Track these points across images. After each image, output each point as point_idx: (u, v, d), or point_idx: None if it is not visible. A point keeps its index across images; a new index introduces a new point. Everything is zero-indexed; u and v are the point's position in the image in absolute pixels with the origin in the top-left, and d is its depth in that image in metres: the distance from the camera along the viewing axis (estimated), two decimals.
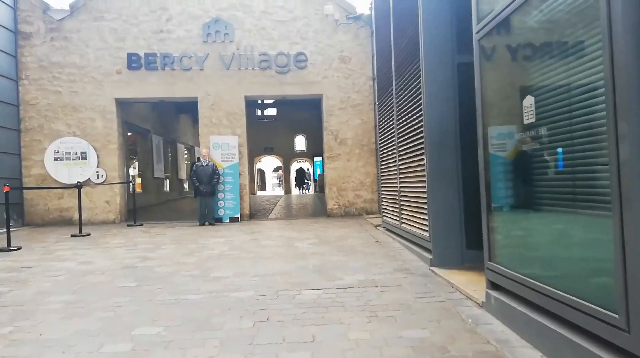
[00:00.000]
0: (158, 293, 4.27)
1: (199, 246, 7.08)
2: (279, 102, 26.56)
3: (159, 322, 3.38)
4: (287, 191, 30.42)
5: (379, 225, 8.88)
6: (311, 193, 30.35)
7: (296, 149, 30.60)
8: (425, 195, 5.27)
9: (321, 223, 10.00)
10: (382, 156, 8.08)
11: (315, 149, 26.98)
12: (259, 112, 27.64)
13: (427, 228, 5.25)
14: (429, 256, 5.08)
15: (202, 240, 7.90)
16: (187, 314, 3.57)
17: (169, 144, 20.47)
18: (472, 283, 4.10)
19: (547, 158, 2.69)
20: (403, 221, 6.53)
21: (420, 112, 5.28)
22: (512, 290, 3.06)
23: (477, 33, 3.48)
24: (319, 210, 13.56)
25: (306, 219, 11.06)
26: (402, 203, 6.57)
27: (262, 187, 50.03)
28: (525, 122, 2.80)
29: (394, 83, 6.72)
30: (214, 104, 11.16)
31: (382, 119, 7.90)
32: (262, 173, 51.21)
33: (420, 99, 5.31)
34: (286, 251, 6.41)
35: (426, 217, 5.27)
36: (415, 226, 5.80)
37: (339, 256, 5.84)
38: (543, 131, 2.63)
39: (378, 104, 8.33)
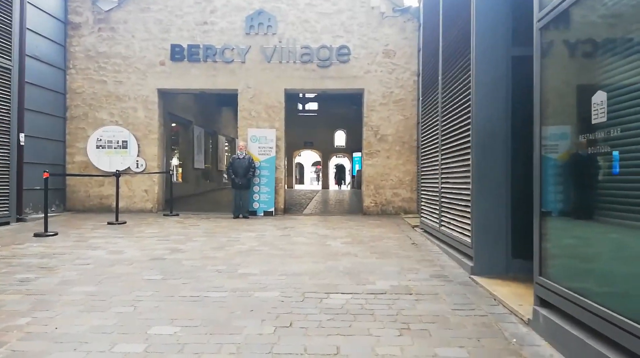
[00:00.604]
0: (181, 288, 4.15)
1: (229, 240, 6.98)
2: (319, 97, 26.42)
3: (178, 321, 3.23)
4: (325, 186, 30.25)
5: (417, 226, 8.49)
6: (348, 189, 30.05)
7: (335, 144, 30.35)
8: (469, 198, 4.88)
9: (356, 221, 9.72)
10: (423, 154, 7.68)
11: (354, 144, 26.63)
12: (300, 106, 27.58)
13: (469, 233, 4.87)
14: (470, 264, 4.70)
15: (234, 233, 7.81)
16: (207, 314, 3.41)
17: (210, 135, 20.75)
18: (518, 297, 3.71)
19: (615, 162, 2.31)
20: (443, 223, 6.14)
21: (468, 109, 4.88)
22: (565, 309, 2.69)
23: (539, 21, 3.09)
24: (355, 207, 13.26)
25: (341, 216, 10.80)
26: (442, 204, 6.18)
27: (300, 181, 50.20)
28: (594, 121, 2.41)
29: (440, 78, 6.32)
30: (253, 97, 11.07)
31: (426, 116, 7.50)
32: (300, 166, 51.37)
33: (468, 95, 4.92)
34: (317, 249, 6.19)
35: (469, 221, 4.88)
36: (456, 231, 5.42)
37: (372, 258, 5.55)
38: (615, 131, 2.24)
39: (422, 100, 7.92)
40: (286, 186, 29.49)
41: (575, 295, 2.57)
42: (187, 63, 11.17)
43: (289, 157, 30.22)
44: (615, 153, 2.28)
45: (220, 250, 6.11)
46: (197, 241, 6.92)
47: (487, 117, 4.64)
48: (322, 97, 25.91)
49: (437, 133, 6.50)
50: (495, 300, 3.77)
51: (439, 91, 6.36)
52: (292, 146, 28.99)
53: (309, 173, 52.05)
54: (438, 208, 6.42)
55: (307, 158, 48.13)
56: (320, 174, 34.39)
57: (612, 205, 2.35)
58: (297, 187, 32.35)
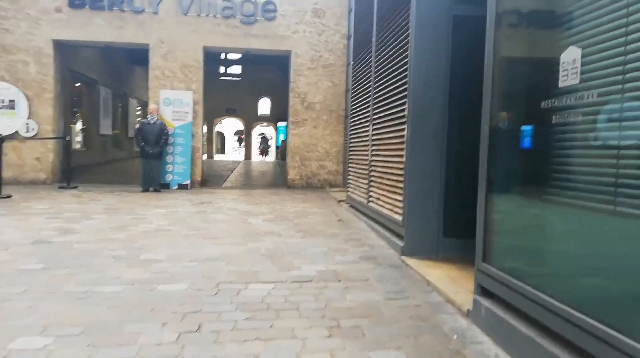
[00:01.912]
0: (66, 281, 3.44)
1: (134, 218, 6.19)
2: (244, 60, 25.16)
3: (52, 329, 2.57)
4: (248, 156, 29.37)
5: (343, 201, 8.23)
6: (272, 159, 29.45)
7: (259, 112, 29.39)
8: (401, 172, 4.59)
9: (280, 195, 9.26)
10: (353, 124, 7.33)
11: (279, 113, 25.90)
12: (221, 69, 26.13)
13: (400, 211, 4.60)
14: (400, 243, 4.46)
15: (141, 209, 7.00)
16: (94, 316, 2.78)
17: (120, 98, 18.89)
18: (452, 281, 3.50)
19: (586, 134, 2.03)
20: (371, 199, 5.87)
21: (405, 74, 4.53)
22: (512, 302, 2.45)
23: None
24: (279, 180, 12.79)
25: (264, 190, 10.28)
26: (372, 179, 5.89)
27: (222, 151, 48.52)
28: (562, 84, 2.10)
29: (374, 40, 5.91)
30: (167, 54, 9.98)
31: (357, 82, 7.11)
32: (222, 135, 49.59)
33: (405, 58, 4.55)
34: (237, 228, 5.65)
35: (400, 198, 4.61)
36: (385, 207, 5.15)
37: (297, 238, 5.14)
38: (589, 96, 1.94)
39: (353, 65, 7.51)
40: (206, 156, 28.25)
41: (524, 285, 2.32)
42: (89, 11, 9.75)
43: (210, 124, 28.79)
44: (589, 124, 2.00)
45: (121, 230, 5.35)
46: (95, 219, 6.06)
47: (426, 83, 4.32)
48: (246, 60, 24.69)
49: (369, 102, 6.15)
50: (429, 285, 3.53)
51: (372, 54, 5.96)
52: (212, 112, 27.58)
53: (232, 142, 50.44)
54: (367, 182, 6.14)
55: (230, 126, 46.43)
56: (243, 144, 33.40)
57: (576, 184, 2.09)
58: (218, 157, 31.12)
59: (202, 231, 5.42)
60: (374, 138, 5.86)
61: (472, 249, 4.57)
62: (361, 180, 6.59)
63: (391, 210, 4.93)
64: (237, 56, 26.37)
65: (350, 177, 7.47)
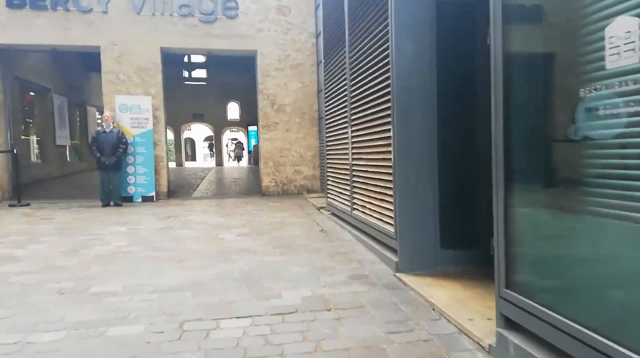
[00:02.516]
0: None
1: (90, 239, 5.49)
2: (209, 63, 24.41)
3: None
4: (219, 162, 28.48)
5: (323, 208, 7.71)
6: (244, 165, 28.68)
7: (229, 117, 28.57)
8: (390, 178, 4.10)
9: (255, 204, 8.66)
10: (329, 126, 6.81)
11: (249, 117, 25.19)
12: (185, 73, 25.22)
13: (391, 221, 4.10)
14: (394, 258, 3.96)
15: (99, 227, 6.28)
16: None
17: (77, 107, 17.80)
18: (461, 306, 3.01)
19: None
20: (356, 207, 5.36)
21: (386, 69, 4.03)
22: (549, 339, 1.97)
23: None
24: (253, 187, 12.16)
25: (237, 199, 9.64)
26: (355, 185, 5.38)
27: (192, 157, 47.29)
28: (610, 67, 1.63)
29: (347, 33, 5.41)
30: (120, 57, 9.23)
31: (330, 82, 6.60)
32: (192, 142, 48.40)
33: (386, 52, 4.06)
34: (207, 246, 5.03)
35: (390, 206, 4.11)
36: (373, 216, 4.65)
37: (276, 255, 4.57)
38: None
39: (325, 63, 6.99)
40: (174, 164, 27.21)
41: (564, 319, 1.84)
42: (29, 11, 8.91)
43: (177, 131, 27.80)
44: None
45: (72, 256, 4.65)
46: (44, 242, 5.33)
47: (410, 77, 3.83)
48: (212, 64, 23.94)
49: (346, 101, 5.64)
50: (434, 309, 3.04)
51: (346, 50, 5.46)
52: (179, 119, 26.63)
53: (202, 148, 49.24)
54: (349, 188, 5.63)
55: (200, 132, 45.35)
56: (214, 150, 32.52)
57: (633, 193, 1.61)
58: (188, 164, 30.08)
59: (166, 252, 4.78)
60: (354, 140, 5.35)
61: (470, 260, 4.13)
62: (342, 186, 6.08)
63: (380, 220, 4.43)
64: (201, 59, 25.59)
65: (329, 183, 6.95)
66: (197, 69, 25.84)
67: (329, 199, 7.01)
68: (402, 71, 3.81)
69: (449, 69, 3.92)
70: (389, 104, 4.01)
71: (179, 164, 27.49)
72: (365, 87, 4.78)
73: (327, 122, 6.96)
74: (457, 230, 4.09)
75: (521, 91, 2.24)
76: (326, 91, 6.94)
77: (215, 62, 22.97)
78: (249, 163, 27.19)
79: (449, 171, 4.00)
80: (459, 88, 4.02)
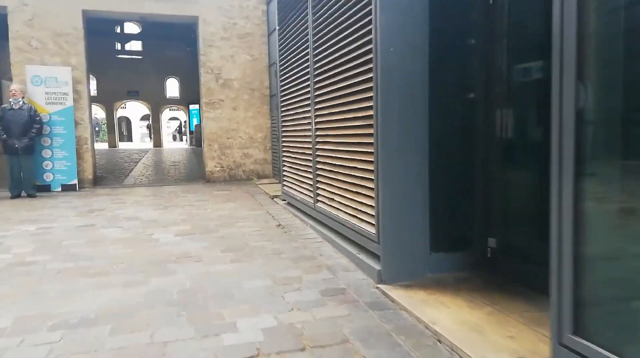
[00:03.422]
0: None
1: None
2: (144, 34, 22.50)
3: None
4: (157, 143, 26.67)
5: (277, 196, 6.88)
6: (186, 146, 27.04)
7: (168, 94, 26.70)
8: (370, 166, 3.33)
9: (198, 193, 7.65)
10: (285, 103, 5.94)
11: (190, 96, 23.59)
12: (118, 46, 23.10)
13: (371, 219, 3.36)
14: (375, 266, 3.23)
15: (1, 226, 5.10)
16: None
17: None
18: (475, 334, 2.33)
19: None
20: (321, 199, 4.58)
21: (368, 39, 3.23)
22: None
23: None
24: (196, 172, 11.05)
25: (177, 187, 8.56)
26: (319, 173, 4.59)
27: (129, 138, 44.42)
28: None
29: None
30: (33, 20, 7.77)
31: (287, 51, 5.70)
32: (127, 121, 45.43)
33: (367, 18, 3.26)
34: (136, 252, 4.07)
35: (370, 202, 3.36)
36: (345, 212, 3.88)
37: (226, 263, 3.71)
38: None
39: (280, 29, 6.07)
40: (107, 145, 25.14)
41: None
42: None
43: (109, 109, 25.62)
44: None
45: None
46: None
47: (398, 49, 3.05)
48: (148, 35, 22.06)
49: (308, 73, 4.80)
50: (440, 341, 2.33)
51: (309, 14, 4.59)
52: (112, 95, 24.57)
53: (139, 128, 46.39)
54: (311, 177, 4.83)
55: (136, 110, 42.61)
56: (151, 130, 30.56)
57: None
58: (123, 146, 27.92)
59: (83, 261, 3.78)
60: (319, 120, 4.54)
61: (464, 264, 3.49)
62: (302, 174, 5.26)
63: (355, 216, 3.67)
64: (136, 29, 23.58)
65: (286, 169, 6.11)
66: (131, 41, 23.76)
67: (284, 188, 6.19)
68: (389, 28, 3.02)
69: (444, 39, 3.20)
70: (371, 75, 3.22)
71: (112, 145, 25.43)
72: (335, 56, 3.95)
73: (282, 99, 6.08)
74: (448, 229, 3.42)
75: (606, 47, 1.52)
76: (282, 62, 6.03)
77: (152, 33, 21.17)
78: (191, 144, 25.63)
79: (441, 157, 3.31)
80: (454, 64, 3.31)
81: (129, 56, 24.33)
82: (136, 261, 3.77)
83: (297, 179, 5.54)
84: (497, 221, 3.29)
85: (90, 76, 24.55)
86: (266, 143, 9.24)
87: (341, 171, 3.95)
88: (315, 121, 4.64)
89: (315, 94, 4.58)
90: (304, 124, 5.09)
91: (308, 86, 4.82)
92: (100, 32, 20.36)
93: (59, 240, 4.49)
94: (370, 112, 3.26)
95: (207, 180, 8.99)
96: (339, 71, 3.87)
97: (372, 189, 3.32)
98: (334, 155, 4.14)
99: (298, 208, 5.53)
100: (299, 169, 5.43)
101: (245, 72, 9.01)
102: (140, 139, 43.46)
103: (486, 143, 3.30)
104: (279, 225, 5.13)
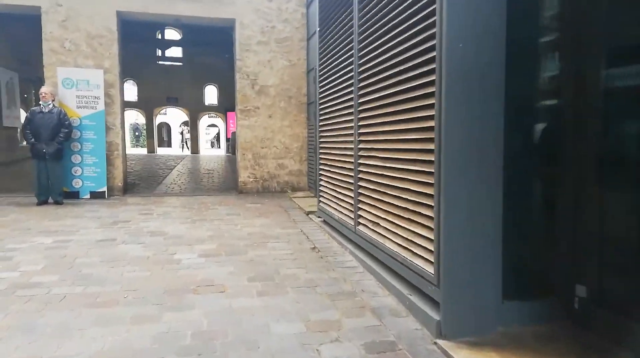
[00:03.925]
0: None
1: None
2: (184, 41, 22.69)
3: None
4: (194, 150, 26.80)
5: (313, 212, 6.35)
6: (222, 153, 27.06)
7: (206, 101, 26.83)
8: (429, 189, 2.73)
9: (229, 205, 7.22)
10: (324, 112, 5.41)
11: (228, 103, 23.53)
12: (158, 52, 23.38)
13: (428, 255, 2.76)
14: (434, 316, 2.61)
15: (18, 236, 4.79)
16: None
17: (33, 83, 15.92)
18: None
19: None
20: (363, 222, 4.00)
21: (429, 22, 2.64)
22: None
23: None
24: (229, 182, 10.69)
25: (208, 197, 8.17)
26: (362, 191, 4.01)
27: (168, 144, 45.23)
28: None
29: None
30: (67, 21, 7.61)
31: (328, 54, 5.18)
32: (167, 127, 46.33)
33: (428, 5, 2.68)
34: (153, 276, 3.60)
35: (428, 234, 2.75)
36: (396, 242, 3.28)
37: (252, 296, 3.18)
38: None
39: (320, 32, 5.57)
40: (146, 150, 25.44)
41: None
42: None
43: (149, 115, 25.97)
44: None
45: None
46: None
47: (471, 31, 2.47)
48: (188, 41, 22.23)
49: (352, 80, 4.25)
50: None
51: (355, 7, 4.05)
52: (152, 101, 24.90)
53: (178, 134, 47.21)
54: (352, 195, 4.26)
55: (176, 116, 43.35)
56: (184, 137, 30.98)
57: None
58: (162, 151, 28.26)
59: (92, 286, 3.34)
60: (363, 131, 3.97)
61: (542, 315, 2.83)
62: (342, 191, 4.70)
63: (407, 249, 3.07)
64: (176, 35, 23.84)
65: (323, 183, 5.57)
66: (172, 47, 24.01)
67: (321, 204, 5.64)
68: (457, 19, 2.44)
69: (523, 17, 2.60)
70: (432, 77, 2.63)
71: (151, 150, 25.73)
72: (385, 57, 3.39)
73: (321, 106, 5.56)
74: (526, 271, 2.78)
75: None
76: (322, 67, 5.52)
77: (192, 39, 21.29)
78: (227, 151, 25.59)
79: (518, 179, 2.69)
80: (538, 44, 2.70)
81: (169, 63, 24.58)
82: (151, 288, 3.30)
83: (335, 197, 4.99)
84: (589, 262, 2.62)
85: (132, 81, 25.13)
86: (302, 153, 8.75)
87: (389, 192, 3.36)
88: (359, 131, 4.08)
89: (360, 101, 4.03)
90: (345, 134, 4.54)
91: (351, 92, 4.28)
92: (141, 38, 20.64)
93: (73, 257, 4.10)
94: (431, 124, 2.66)
95: (240, 191, 8.56)
96: (390, 74, 3.30)
97: (430, 218, 2.71)
98: (381, 172, 3.56)
99: (335, 228, 4.96)
100: (338, 185, 4.87)
101: (283, 78, 8.57)
102: (179, 145, 44.17)
103: (576, 161, 2.65)
104: (314, 247, 4.57)
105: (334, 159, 5.00)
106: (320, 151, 5.65)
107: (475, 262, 2.56)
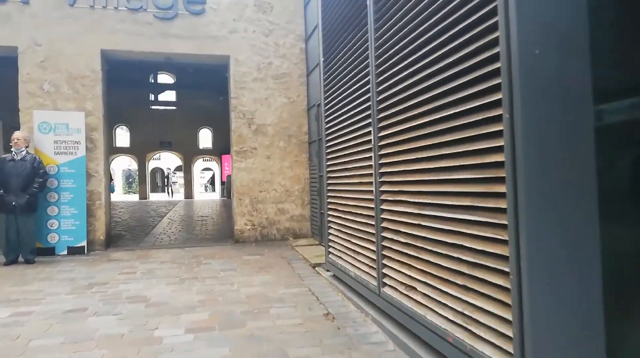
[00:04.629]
0: None
1: None
2: (178, 84, 22.40)
3: None
4: (188, 195, 26.04)
5: (320, 264, 5.57)
6: (217, 197, 26.31)
7: (200, 145, 26.32)
8: (504, 252, 1.99)
9: (224, 258, 6.41)
10: (332, 150, 4.74)
11: (223, 145, 23.03)
12: (151, 97, 23.03)
13: (505, 344, 1.98)
14: None
15: None
16: None
17: (13, 129, 15.34)
18: None
19: None
20: (389, 283, 3.22)
21: (490, 23, 1.98)
22: None
23: None
24: (224, 230, 9.89)
25: (201, 249, 7.35)
26: (387, 245, 3.26)
27: (162, 189, 44.43)
28: None
29: (370, 10, 3.40)
30: (46, 61, 7.04)
31: (336, 84, 4.57)
32: (161, 172, 45.70)
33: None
34: None
35: (503, 312, 1.99)
36: (446, 316, 2.50)
37: None
38: None
39: (325, 61, 4.98)
40: (138, 197, 24.69)
41: None
42: None
43: (142, 160, 25.35)
44: None
45: None
46: None
47: (552, 40, 1.82)
48: (182, 85, 21.94)
49: (369, 111, 3.60)
50: None
51: (370, 26, 3.45)
52: (145, 146, 24.38)
53: (173, 179, 46.54)
54: (375, 250, 3.50)
55: (169, 161, 42.84)
56: (168, 184, 30.42)
57: None
58: (155, 197, 27.45)
59: None
60: (385, 170, 3.28)
61: None
62: (357, 242, 3.95)
63: (463, 327, 2.29)
64: (170, 79, 23.62)
65: (332, 233, 4.82)
66: (165, 91, 23.70)
67: (330, 256, 4.87)
68: (531, 18, 1.79)
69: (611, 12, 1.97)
70: (497, 96, 1.96)
71: (143, 196, 24.93)
72: (415, 79, 2.74)
73: (329, 144, 4.89)
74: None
75: None
76: (327, 100, 4.90)
77: (186, 83, 20.99)
78: (222, 195, 24.86)
79: (619, 227, 1.98)
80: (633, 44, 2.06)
81: (163, 107, 24.23)
82: None
83: (349, 249, 4.23)
84: None
85: (124, 126, 24.69)
86: (304, 196, 8.03)
87: (430, 248, 2.62)
88: (380, 171, 3.38)
89: (380, 134, 3.35)
90: (362, 175, 3.84)
91: (369, 124, 3.61)
92: (133, 83, 20.33)
93: (28, 338, 3.27)
94: (497, 158, 1.97)
95: (236, 240, 7.77)
96: (424, 99, 2.63)
97: (502, 288, 1.97)
98: (414, 221, 2.82)
99: (350, 286, 4.17)
100: (352, 235, 4.12)
101: (282, 116, 7.98)
102: (177, 191, 43.40)
103: None
104: (327, 313, 3.77)
105: (347, 204, 4.28)
106: (329, 194, 4.93)
107: (577, 338, 1.79)
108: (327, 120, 4.92)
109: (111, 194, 22.21)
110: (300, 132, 8.04)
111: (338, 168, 4.55)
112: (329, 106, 4.84)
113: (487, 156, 2.05)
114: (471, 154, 2.19)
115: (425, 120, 2.62)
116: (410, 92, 2.82)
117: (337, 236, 4.67)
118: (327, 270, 5.14)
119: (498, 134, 1.96)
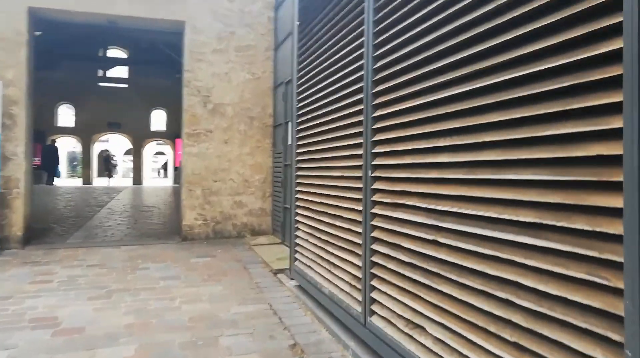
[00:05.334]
0: None
1: None
2: (131, 60, 20.90)
3: None
4: (137, 181, 24.51)
5: (282, 270, 4.76)
6: (169, 183, 24.90)
7: (153, 128, 24.74)
8: (612, 283, 1.23)
9: (167, 261, 5.46)
10: (306, 134, 3.91)
11: (178, 128, 21.64)
12: (100, 72, 21.33)
13: None
14: None
15: None
16: None
17: None
18: None
19: None
20: (382, 313, 2.44)
21: None
22: None
23: None
24: (172, 222, 8.87)
25: (140, 248, 6.34)
26: (377, 261, 2.47)
27: (109, 174, 42.14)
28: None
29: None
30: None
31: (313, 54, 3.73)
32: (105, 155, 43.33)
33: None
34: None
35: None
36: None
37: None
38: None
39: (301, 27, 4.12)
40: (82, 181, 22.98)
41: None
42: None
43: (87, 142, 23.55)
44: None
45: None
46: None
47: None
48: (134, 60, 20.47)
49: (360, 83, 2.79)
50: None
51: None
52: (90, 127, 22.62)
53: (122, 163, 44.30)
54: (360, 266, 2.71)
55: (119, 144, 40.67)
56: (111, 164, 28.73)
57: None
58: (100, 182, 25.66)
59: None
60: (383, 162, 2.49)
61: None
62: (334, 251, 3.14)
63: None
64: (122, 54, 22.00)
65: (300, 235, 4.00)
66: (116, 66, 22.03)
67: (297, 264, 4.06)
68: None
69: None
70: (618, 47, 1.18)
71: (87, 182, 23.19)
72: (435, 36, 1.95)
73: (300, 128, 4.05)
74: None
75: None
76: (301, 74, 4.05)
77: (140, 59, 19.54)
78: (174, 182, 23.49)
79: None
80: None
81: (113, 84, 22.52)
82: None
83: (322, 258, 3.42)
84: None
85: (68, 105, 22.82)
86: (266, 188, 7.15)
87: (453, 277, 1.84)
88: (374, 162, 2.58)
89: (376, 114, 2.56)
90: (346, 167, 3.04)
91: (359, 101, 2.80)
92: (80, 56, 18.66)
93: None
94: (607, 149, 1.20)
95: (184, 237, 6.80)
96: (455, 61, 1.85)
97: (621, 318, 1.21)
98: (424, 235, 2.05)
99: (323, 305, 3.38)
100: (328, 241, 3.32)
101: (244, 95, 7.04)
102: (124, 175, 41.25)
103: None
104: (294, 345, 2.96)
105: (323, 203, 3.47)
106: (298, 189, 4.11)
107: None
108: (300, 98, 4.07)
109: (55, 178, 20.50)
110: (264, 114, 7.14)
111: (312, 156, 3.73)
112: (303, 79, 3.99)
113: (582, 146, 1.28)
114: (548, 141, 1.41)
115: (460, 91, 1.83)
116: (435, 51, 2.02)
117: (306, 240, 3.86)
118: (292, 278, 4.34)
119: (607, 110, 1.19)
